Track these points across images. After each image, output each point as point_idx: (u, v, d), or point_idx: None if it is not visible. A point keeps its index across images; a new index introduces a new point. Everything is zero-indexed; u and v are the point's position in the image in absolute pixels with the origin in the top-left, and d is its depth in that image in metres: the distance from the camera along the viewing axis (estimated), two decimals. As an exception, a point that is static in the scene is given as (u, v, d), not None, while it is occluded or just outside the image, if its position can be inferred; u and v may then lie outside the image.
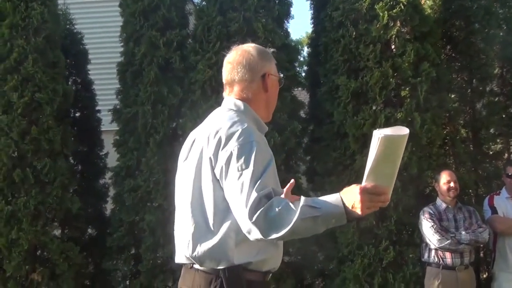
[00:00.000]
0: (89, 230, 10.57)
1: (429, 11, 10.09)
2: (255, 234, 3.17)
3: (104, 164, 10.87)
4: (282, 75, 9.60)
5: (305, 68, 11.72)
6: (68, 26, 11.06)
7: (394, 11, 9.07)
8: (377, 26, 9.11)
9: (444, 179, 8.01)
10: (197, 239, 3.44)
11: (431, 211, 7.93)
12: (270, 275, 3.70)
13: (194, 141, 3.64)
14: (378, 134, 3.12)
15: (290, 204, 3.15)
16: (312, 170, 9.99)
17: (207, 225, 3.43)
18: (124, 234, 9.70)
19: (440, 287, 7.79)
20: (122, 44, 10.24)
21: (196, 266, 3.49)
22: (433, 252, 7.87)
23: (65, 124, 9.88)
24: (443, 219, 7.91)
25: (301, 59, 13.43)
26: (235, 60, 3.71)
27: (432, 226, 7.77)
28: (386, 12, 9.06)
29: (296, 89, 10.40)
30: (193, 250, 3.44)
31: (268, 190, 3.21)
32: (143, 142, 9.63)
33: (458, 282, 7.78)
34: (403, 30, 9.27)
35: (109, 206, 10.51)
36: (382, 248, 8.85)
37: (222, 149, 3.37)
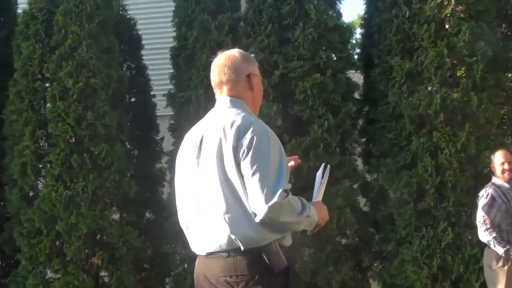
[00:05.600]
0: (147, 214, 10.63)
1: (484, -12, 9.94)
2: (267, 215, 3.60)
3: (160, 148, 10.90)
4: (335, 57, 9.63)
5: (357, 50, 11.62)
6: (121, 12, 11.08)
7: (449, -11, 8.96)
8: (431, 5, 9.03)
9: (498, 161, 7.74)
10: (237, 225, 3.70)
11: (495, 194, 7.59)
12: None
13: (202, 138, 3.92)
14: (326, 166, 4.22)
15: (301, 200, 3.75)
16: (368, 152, 9.97)
17: (243, 211, 3.70)
18: (181, 218, 9.67)
19: (500, 266, 7.53)
20: (174, 28, 10.25)
21: (233, 253, 3.73)
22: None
23: (121, 110, 9.97)
24: (510, 199, 7.60)
25: (353, 41, 13.28)
26: (221, 63, 4.07)
27: (483, 216, 7.49)
28: (440, -10, 8.97)
29: (349, 71, 10.32)
30: (235, 235, 3.70)
31: (287, 185, 3.70)
32: (198, 127, 9.63)
33: None
34: (457, 8, 9.17)
35: (165, 190, 10.56)
36: (440, 230, 8.81)
37: (242, 137, 3.72)
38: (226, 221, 3.70)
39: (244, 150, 3.68)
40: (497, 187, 7.69)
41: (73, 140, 9.44)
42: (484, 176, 9.00)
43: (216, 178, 3.76)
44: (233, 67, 4.03)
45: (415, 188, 8.93)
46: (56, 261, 9.27)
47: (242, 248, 3.70)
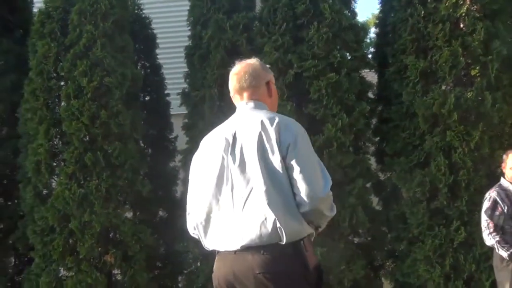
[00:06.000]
0: (160, 213, 10.64)
1: (499, -12, 9.90)
2: (316, 206, 3.78)
3: (173, 147, 10.91)
4: (349, 56, 9.62)
5: (371, 49, 11.61)
6: (136, 11, 11.11)
7: (463, -12, 8.94)
8: (446, 4, 9.01)
9: (511, 164, 7.61)
10: (281, 215, 3.75)
11: (498, 197, 7.52)
12: None
13: (235, 135, 3.99)
14: None
15: None
16: (381, 151, 9.94)
17: (287, 202, 3.79)
18: (195, 216, 9.68)
19: (505, 265, 7.47)
20: (189, 27, 10.28)
21: (272, 247, 3.76)
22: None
23: (135, 108, 9.98)
24: None
25: (367, 40, 13.26)
26: (241, 70, 4.19)
27: (487, 220, 7.45)
28: (455, -10, 8.95)
29: (363, 70, 10.31)
30: (280, 224, 3.74)
31: (330, 179, 3.92)
32: (211, 125, 9.61)
33: None
34: (472, 8, 9.14)
35: (179, 189, 10.59)
36: (453, 229, 8.79)
37: (285, 132, 3.86)
38: (271, 212, 3.75)
39: (289, 144, 3.82)
40: (502, 189, 7.61)
41: (87, 138, 9.46)
42: (497, 176, 8.90)
43: (258, 172, 3.82)
44: (254, 73, 4.16)
45: (428, 187, 8.91)
46: (69, 259, 9.30)
47: (283, 241, 3.74)
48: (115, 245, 9.52)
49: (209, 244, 4.05)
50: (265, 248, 3.76)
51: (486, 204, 7.58)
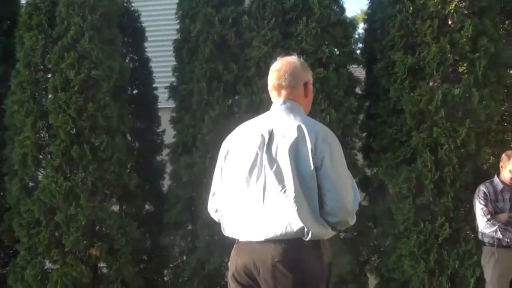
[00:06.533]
0: (147, 206, 10.61)
1: (487, -15, 9.92)
2: (345, 218, 4.02)
3: (161, 140, 10.88)
4: (337, 51, 9.61)
5: (360, 45, 11.62)
6: (125, 4, 11.06)
7: (452, -15, 8.95)
8: (435, 1, 9.04)
9: (511, 167, 7.69)
10: (306, 219, 3.94)
11: (486, 191, 7.76)
12: None
13: (272, 133, 4.10)
14: None
15: None
16: (368, 146, 9.93)
17: (312, 207, 3.96)
18: (181, 210, 9.72)
19: (496, 265, 7.72)
20: (178, 21, 10.22)
21: (293, 241, 3.95)
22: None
23: (122, 101, 9.94)
24: (498, 200, 7.75)
25: (356, 36, 13.26)
26: (282, 68, 4.29)
27: (482, 209, 7.67)
28: (443, -14, 8.95)
29: (352, 66, 10.31)
30: (306, 227, 3.93)
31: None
32: (199, 119, 9.63)
33: None
34: (461, 5, 9.15)
35: (166, 183, 10.58)
36: (438, 225, 8.79)
37: (322, 142, 3.98)
38: (299, 219, 3.93)
39: (324, 156, 3.96)
40: (492, 185, 7.81)
41: (74, 131, 9.42)
42: (483, 172, 9.04)
43: (289, 174, 3.97)
44: (294, 73, 4.26)
45: (414, 183, 8.93)
46: (55, 252, 9.27)
47: (307, 239, 3.95)
48: (101, 238, 9.50)
49: (229, 231, 4.24)
50: (287, 241, 3.96)
51: (477, 198, 7.78)
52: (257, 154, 4.10)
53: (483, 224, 7.65)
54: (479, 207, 7.72)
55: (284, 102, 4.22)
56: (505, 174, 7.77)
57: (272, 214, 3.99)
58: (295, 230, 3.94)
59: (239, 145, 4.23)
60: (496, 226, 7.57)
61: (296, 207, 3.93)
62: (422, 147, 8.97)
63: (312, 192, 3.95)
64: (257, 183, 4.07)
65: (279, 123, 4.12)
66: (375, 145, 9.57)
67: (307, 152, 3.96)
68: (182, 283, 9.78)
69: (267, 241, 3.99)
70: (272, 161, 4.04)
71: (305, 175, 3.95)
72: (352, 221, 4.12)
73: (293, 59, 4.35)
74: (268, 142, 4.08)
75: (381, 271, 9.40)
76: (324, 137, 4.02)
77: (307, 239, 3.94)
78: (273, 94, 4.32)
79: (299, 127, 4.03)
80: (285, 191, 3.97)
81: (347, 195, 4.01)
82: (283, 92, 4.25)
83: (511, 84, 9.72)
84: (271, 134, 4.09)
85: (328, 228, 4.01)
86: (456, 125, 8.84)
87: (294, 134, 4.01)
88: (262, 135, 4.11)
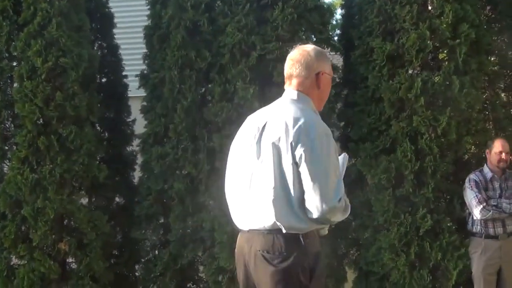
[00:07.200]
0: (117, 199, 10.46)
1: (468, -31, 9.74)
2: (323, 215, 4.03)
3: (131, 131, 10.69)
4: (314, 38, 9.40)
5: (337, 31, 11.44)
6: (92, -11, 10.81)
7: (432, -31, 8.77)
8: (414, -15, 8.82)
9: (496, 149, 7.96)
10: (283, 214, 4.08)
11: (476, 179, 7.91)
12: None
13: (265, 125, 4.24)
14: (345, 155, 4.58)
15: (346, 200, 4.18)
16: (346, 136, 9.75)
17: (289, 202, 4.08)
18: (153, 202, 9.61)
19: (483, 256, 7.92)
20: (148, 7, 10.00)
21: (274, 232, 4.10)
22: (476, 221, 7.93)
23: (91, 90, 9.71)
24: (488, 188, 7.91)
25: (333, 22, 13.11)
26: (295, 58, 4.38)
27: (476, 196, 7.79)
28: (423, -30, 8.77)
29: (329, 53, 10.11)
30: (280, 222, 4.07)
31: (343, 187, 4.16)
32: (171, 108, 9.44)
33: (501, 250, 7.90)
34: (441, -11, 8.95)
35: (137, 174, 10.40)
36: (419, 216, 8.63)
37: (305, 136, 4.05)
38: (273, 208, 4.08)
39: (304, 150, 4.03)
40: (482, 174, 8.03)
41: (41, 121, 9.20)
42: (464, 162, 8.99)
43: (271, 167, 4.12)
44: (305, 63, 4.33)
45: (394, 173, 8.77)
46: (22, 247, 9.08)
47: (284, 231, 4.08)
48: (69, 233, 9.32)
49: (234, 221, 4.46)
50: (269, 231, 4.12)
51: (468, 185, 7.97)
52: (250, 145, 4.27)
53: (479, 211, 7.77)
54: (472, 195, 7.86)
55: (290, 93, 4.34)
56: (492, 159, 7.98)
57: (255, 206, 4.18)
58: (271, 223, 4.08)
59: (241, 136, 4.42)
60: (491, 211, 7.71)
61: (273, 200, 4.07)
62: (401, 136, 8.80)
63: (292, 186, 4.06)
64: (246, 174, 4.26)
65: (274, 115, 4.25)
66: (353, 135, 9.39)
67: (288, 147, 4.07)
68: (154, 278, 9.64)
69: (251, 231, 4.21)
70: (259, 153, 4.20)
71: (285, 170, 4.07)
72: (340, 217, 4.19)
73: (308, 47, 4.42)
74: (260, 134, 4.24)
75: (360, 264, 9.26)
76: (307, 133, 4.06)
77: (284, 231, 4.07)
78: (286, 82, 4.43)
79: (286, 122, 4.11)
80: (265, 183, 4.12)
81: (325, 192, 4.03)
82: (294, 82, 4.36)
83: (492, 71, 9.58)
84: (264, 126, 4.24)
85: (308, 223, 4.08)
86: (437, 114, 8.68)
87: (280, 128, 4.12)
88: (258, 127, 4.27)
